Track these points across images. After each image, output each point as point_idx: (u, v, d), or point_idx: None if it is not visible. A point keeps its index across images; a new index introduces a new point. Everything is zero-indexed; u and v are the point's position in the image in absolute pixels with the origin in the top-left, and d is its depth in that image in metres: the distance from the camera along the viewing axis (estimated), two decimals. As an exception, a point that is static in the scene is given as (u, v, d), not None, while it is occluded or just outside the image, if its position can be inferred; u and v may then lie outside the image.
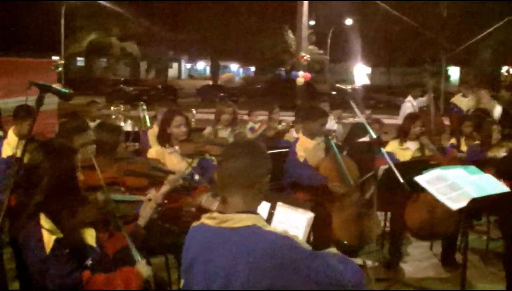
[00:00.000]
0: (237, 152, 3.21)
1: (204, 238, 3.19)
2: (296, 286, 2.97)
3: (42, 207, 3.69)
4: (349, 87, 52.44)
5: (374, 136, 6.30)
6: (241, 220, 3.09)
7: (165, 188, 5.06)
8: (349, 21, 52.81)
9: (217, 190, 4.75)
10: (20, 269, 3.84)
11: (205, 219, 3.24)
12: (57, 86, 3.75)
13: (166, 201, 5.01)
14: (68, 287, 3.59)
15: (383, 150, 6.65)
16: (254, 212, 3.20)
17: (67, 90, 3.72)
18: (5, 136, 7.80)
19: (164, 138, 6.66)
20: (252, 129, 11.02)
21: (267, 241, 3.00)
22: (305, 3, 27.44)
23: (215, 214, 3.20)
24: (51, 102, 11.58)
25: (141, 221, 4.51)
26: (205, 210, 4.20)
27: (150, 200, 4.64)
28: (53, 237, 3.59)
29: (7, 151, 7.27)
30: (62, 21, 44.98)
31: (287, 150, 7.40)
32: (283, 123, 11.42)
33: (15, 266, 3.91)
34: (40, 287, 3.66)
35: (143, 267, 3.96)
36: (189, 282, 3.27)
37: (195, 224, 3.32)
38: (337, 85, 52.18)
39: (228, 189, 3.21)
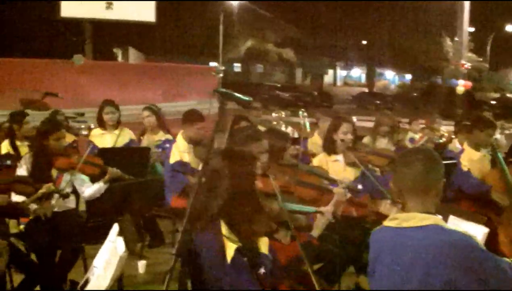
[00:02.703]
0: (412, 159, 3.25)
1: (386, 239, 3.26)
2: (472, 287, 2.96)
3: (221, 213, 3.70)
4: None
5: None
6: (423, 219, 3.14)
7: (334, 201, 5.04)
8: (510, 27, 50.91)
9: (393, 197, 4.77)
10: (194, 271, 3.95)
11: (386, 222, 3.31)
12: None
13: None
14: None
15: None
16: (433, 214, 3.22)
17: (247, 98, 3.81)
18: (173, 140, 7.99)
19: (330, 146, 6.63)
20: (412, 141, 10.85)
21: (450, 238, 3.04)
22: (466, 10, 26.77)
23: (397, 215, 3.27)
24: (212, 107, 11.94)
25: (315, 232, 4.59)
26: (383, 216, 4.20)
27: (322, 213, 4.71)
28: (234, 246, 3.61)
29: (175, 155, 7.39)
30: (221, 28, 46.07)
31: (455, 161, 7.23)
32: (446, 135, 11.14)
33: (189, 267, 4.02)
34: (214, 291, 3.73)
35: None
36: (373, 283, 3.36)
37: (376, 228, 3.40)
38: (508, 95, 50.14)
39: (405, 195, 3.26)
